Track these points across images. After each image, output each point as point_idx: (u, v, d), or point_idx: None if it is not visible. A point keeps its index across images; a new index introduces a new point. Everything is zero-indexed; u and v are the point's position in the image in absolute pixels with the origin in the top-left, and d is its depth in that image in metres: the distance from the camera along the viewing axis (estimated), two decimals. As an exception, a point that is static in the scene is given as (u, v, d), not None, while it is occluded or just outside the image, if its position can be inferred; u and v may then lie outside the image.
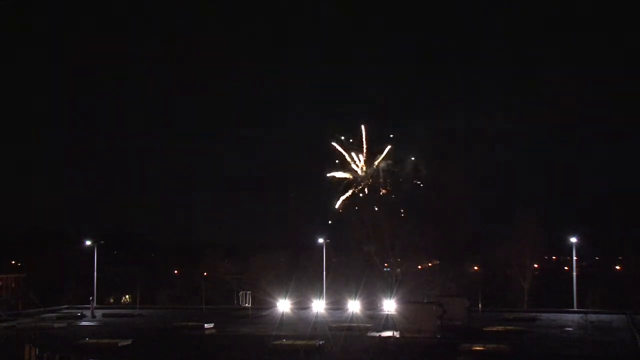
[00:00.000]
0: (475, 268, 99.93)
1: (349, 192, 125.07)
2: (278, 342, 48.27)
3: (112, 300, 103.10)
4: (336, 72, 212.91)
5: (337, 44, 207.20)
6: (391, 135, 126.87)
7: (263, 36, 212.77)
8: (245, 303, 76.69)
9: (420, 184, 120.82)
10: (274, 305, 72.46)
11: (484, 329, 56.11)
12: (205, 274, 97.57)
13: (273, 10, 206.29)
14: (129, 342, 49.76)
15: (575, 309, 71.67)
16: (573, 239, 76.69)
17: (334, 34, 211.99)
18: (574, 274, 75.27)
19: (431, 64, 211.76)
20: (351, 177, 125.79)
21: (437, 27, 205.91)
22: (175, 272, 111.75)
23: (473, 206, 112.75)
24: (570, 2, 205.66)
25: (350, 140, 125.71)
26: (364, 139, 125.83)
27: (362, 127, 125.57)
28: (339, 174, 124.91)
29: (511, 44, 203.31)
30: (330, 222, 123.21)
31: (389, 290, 79.23)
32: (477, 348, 44.76)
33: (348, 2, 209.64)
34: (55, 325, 63.10)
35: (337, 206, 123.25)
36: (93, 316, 72.47)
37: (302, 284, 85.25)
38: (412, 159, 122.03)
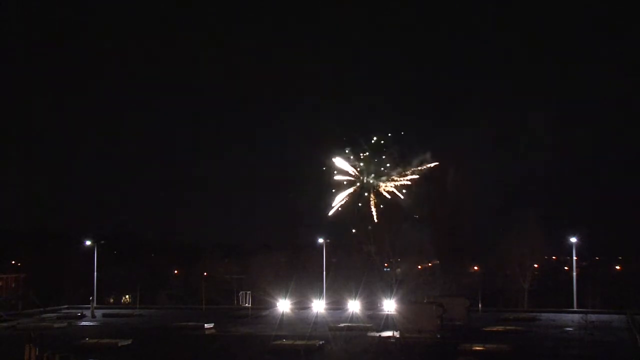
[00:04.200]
0: (475, 268, 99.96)
1: (347, 193, 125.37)
2: (278, 342, 48.28)
3: (112, 300, 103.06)
4: (338, 71, 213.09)
5: (341, 42, 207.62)
6: (402, 133, 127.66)
7: (264, 35, 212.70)
8: (245, 303, 76.72)
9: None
10: (274, 305, 72.46)
11: (484, 329, 56.11)
12: (205, 274, 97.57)
13: (277, 8, 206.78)
14: (129, 342, 49.77)
15: (575, 309, 71.64)
16: (573, 239, 76.64)
17: (337, 33, 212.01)
18: (574, 274, 75.24)
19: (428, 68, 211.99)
20: (351, 174, 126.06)
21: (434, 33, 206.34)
22: (175, 272, 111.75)
23: (474, 207, 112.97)
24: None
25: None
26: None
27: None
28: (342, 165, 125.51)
29: (512, 45, 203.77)
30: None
31: (389, 290, 79.25)
32: (477, 348, 44.77)
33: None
34: (55, 325, 63.08)
35: (330, 211, 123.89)
36: (93, 316, 72.47)
37: (302, 284, 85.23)
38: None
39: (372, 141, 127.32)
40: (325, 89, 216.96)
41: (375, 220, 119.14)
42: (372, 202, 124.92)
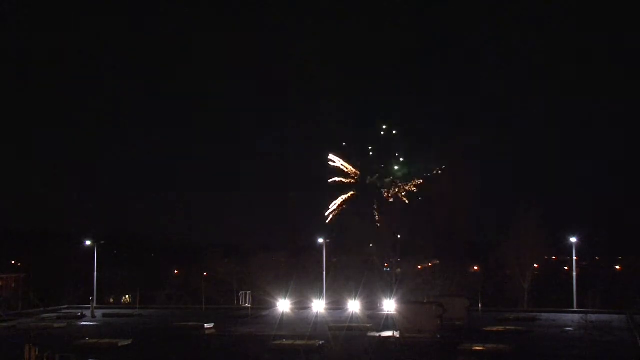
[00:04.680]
0: (475, 268, 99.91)
1: (348, 194, 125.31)
2: (278, 342, 48.28)
3: (112, 300, 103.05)
4: (339, 72, 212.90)
5: (342, 43, 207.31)
6: (394, 132, 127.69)
7: (264, 35, 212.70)
8: (245, 303, 76.67)
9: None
10: (274, 305, 72.49)
11: (484, 329, 56.09)
12: (205, 274, 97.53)
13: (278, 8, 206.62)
14: (129, 342, 49.78)
15: (575, 309, 71.63)
16: (573, 239, 76.61)
17: (338, 34, 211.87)
18: (574, 274, 75.24)
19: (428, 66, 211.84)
20: (351, 175, 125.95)
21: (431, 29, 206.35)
22: (175, 272, 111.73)
23: (474, 207, 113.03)
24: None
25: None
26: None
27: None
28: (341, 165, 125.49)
29: (511, 43, 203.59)
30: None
31: (389, 290, 79.24)
32: (477, 348, 44.75)
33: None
34: (55, 325, 63.11)
35: (328, 216, 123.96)
36: (93, 316, 72.48)
37: (302, 284, 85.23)
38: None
39: (382, 132, 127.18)
40: (325, 89, 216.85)
41: (377, 223, 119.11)
42: (374, 203, 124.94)
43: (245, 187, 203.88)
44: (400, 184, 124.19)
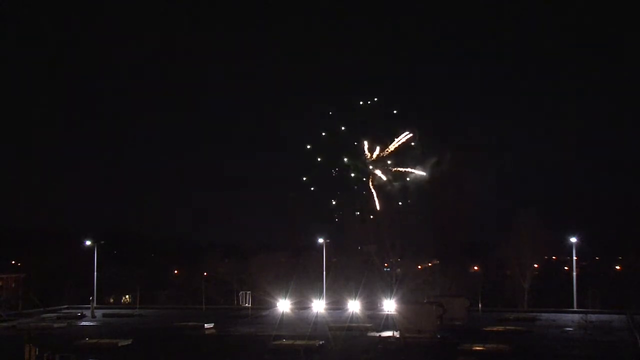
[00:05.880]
0: (475, 268, 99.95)
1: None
2: (278, 342, 48.30)
3: (112, 300, 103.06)
4: (338, 71, 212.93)
5: (342, 40, 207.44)
6: (395, 112, 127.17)
7: (265, 36, 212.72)
8: (245, 303, 76.72)
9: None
10: (274, 305, 72.50)
11: (484, 329, 56.11)
12: (205, 274, 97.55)
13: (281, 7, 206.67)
14: (129, 342, 49.79)
15: (575, 309, 71.64)
16: (573, 239, 76.64)
17: (338, 33, 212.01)
18: (574, 274, 75.26)
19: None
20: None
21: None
22: (175, 272, 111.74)
23: (474, 207, 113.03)
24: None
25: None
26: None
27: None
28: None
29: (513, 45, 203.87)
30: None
31: (389, 290, 79.24)
32: (477, 348, 44.77)
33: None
34: (55, 325, 63.15)
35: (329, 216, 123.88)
36: (93, 316, 72.52)
37: (302, 284, 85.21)
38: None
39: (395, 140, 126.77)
40: (328, 89, 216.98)
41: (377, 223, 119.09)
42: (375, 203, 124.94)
43: (245, 187, 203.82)
44: (405, 184, 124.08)
